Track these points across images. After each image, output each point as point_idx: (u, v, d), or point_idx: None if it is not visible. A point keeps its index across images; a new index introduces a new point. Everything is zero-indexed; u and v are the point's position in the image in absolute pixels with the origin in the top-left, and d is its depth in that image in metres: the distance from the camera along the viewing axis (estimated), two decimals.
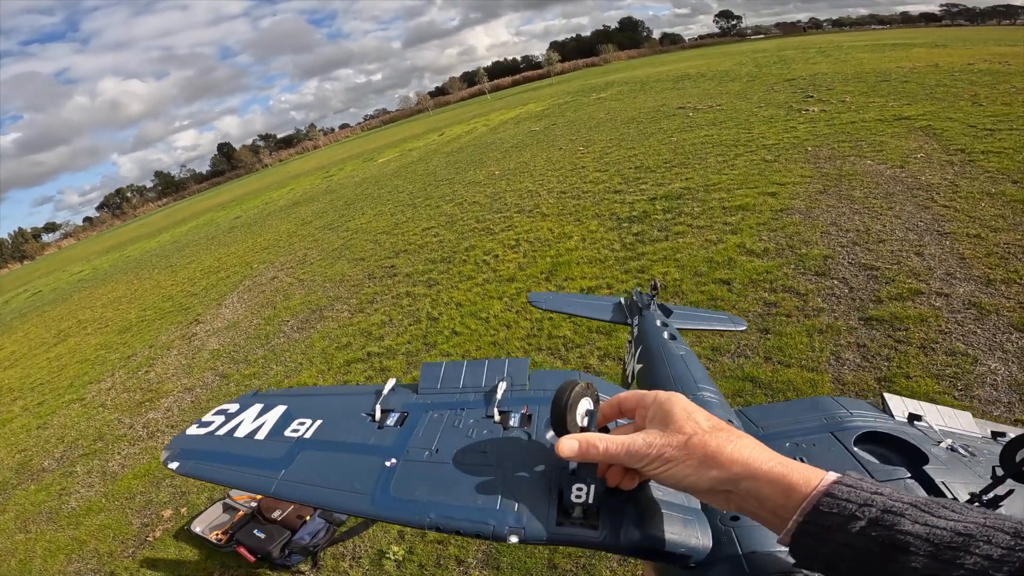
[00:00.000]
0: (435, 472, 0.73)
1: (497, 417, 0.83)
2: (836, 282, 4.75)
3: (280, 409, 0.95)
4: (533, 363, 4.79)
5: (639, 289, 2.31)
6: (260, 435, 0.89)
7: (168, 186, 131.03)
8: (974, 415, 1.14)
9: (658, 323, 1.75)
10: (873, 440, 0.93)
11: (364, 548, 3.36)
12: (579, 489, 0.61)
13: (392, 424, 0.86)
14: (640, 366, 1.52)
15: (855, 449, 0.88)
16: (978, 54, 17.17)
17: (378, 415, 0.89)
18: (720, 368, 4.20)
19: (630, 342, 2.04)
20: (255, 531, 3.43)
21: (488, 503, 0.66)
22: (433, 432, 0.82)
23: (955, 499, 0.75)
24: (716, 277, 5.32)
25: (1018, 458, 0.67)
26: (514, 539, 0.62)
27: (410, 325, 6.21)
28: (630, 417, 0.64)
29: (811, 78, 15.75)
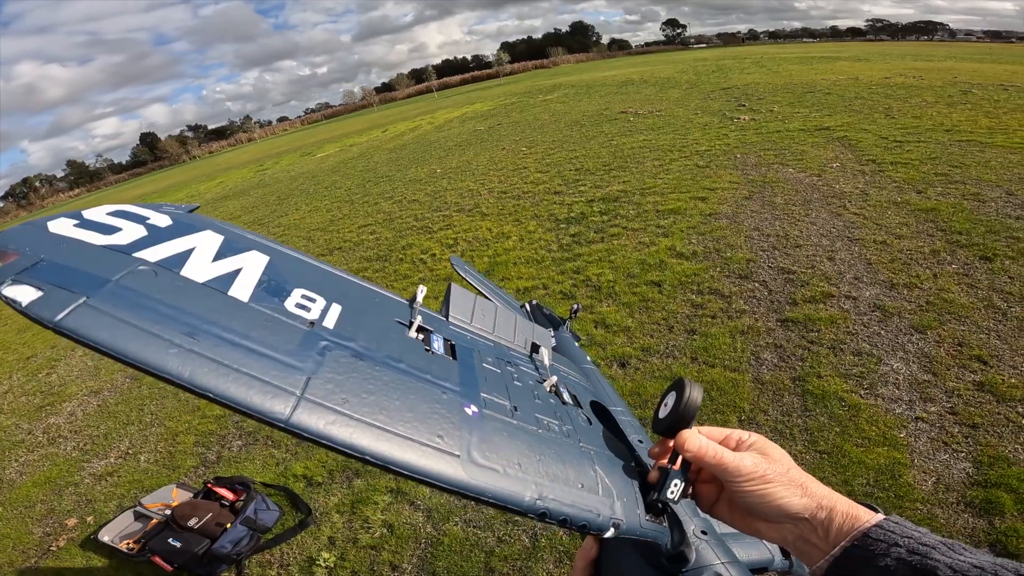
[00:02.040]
0: (524, 439, 0.55)
1: (548, 387, 0.72)
2: (757, 285, 4.91)
3: (261, 259, 0.57)
4: None
5: (536, 302, 2.15)
6: (239, 292, 0.50)
7: (81, 176, 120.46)
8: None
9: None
10: None
11: (292, 555, 3.15)
12: (675, 486, 0.60)
13: (441, 352, 0.63)
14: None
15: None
16: (895, 68, 18.64)
17: (413, 332, 0.63)
18: (650, 368, 4.23)
19: None
20: (170, 539, 3.18)
21: (590, 487, 0.55)
22: (498, 383, 0.63)
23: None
24: (648, 279, 5.38)
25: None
26: (611, 532, 0.55)
27: None
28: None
29: (745, 88, 16.52)
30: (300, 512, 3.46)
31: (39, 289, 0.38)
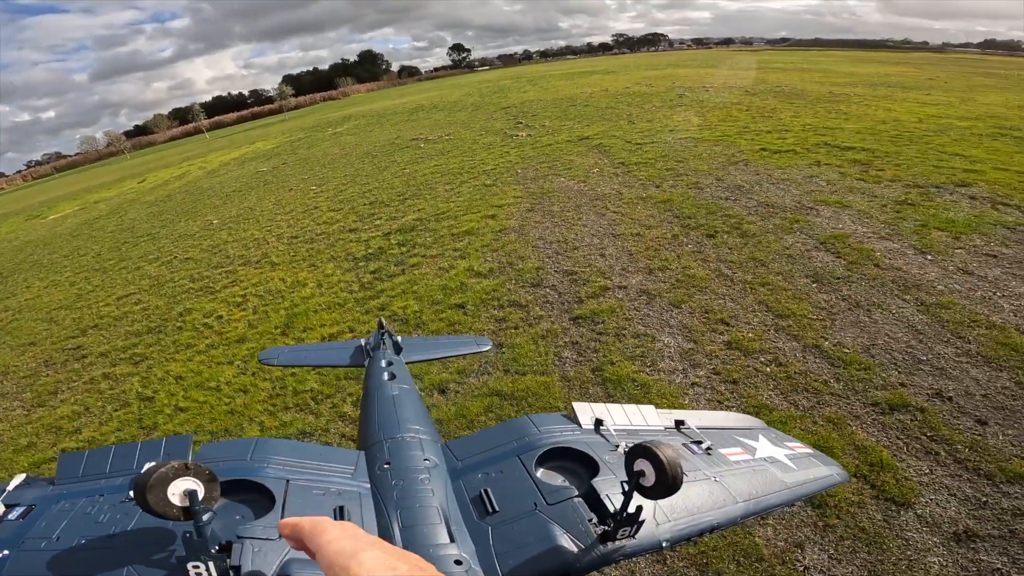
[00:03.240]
0: (54, 560, 0.75)
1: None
2: (548, 290, 5.30)
3: None
4: (280, 423, 4.33)
5: (383, 322, 2.32)
6: None
7: None
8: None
9: (383, 364, 1.79)
10: (557, 456, 1.08)
11: None
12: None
13: (14, 518, 0.85)
14: (360, 412, 1.60)
15: (535, 473, 1.02)
16: (633, 79, 22.37)
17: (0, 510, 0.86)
18: (469, 388, 4.22)
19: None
20: None
21: None
22: (58, 521, 0.84)
23: (614, 511, 0.90)
24: (452, 303, 5.41)
25: (635, 468, 0.78)
26: None
27: (115, 411, 4.97)
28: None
29: (521, 106, 18.13)
30: None
31: None
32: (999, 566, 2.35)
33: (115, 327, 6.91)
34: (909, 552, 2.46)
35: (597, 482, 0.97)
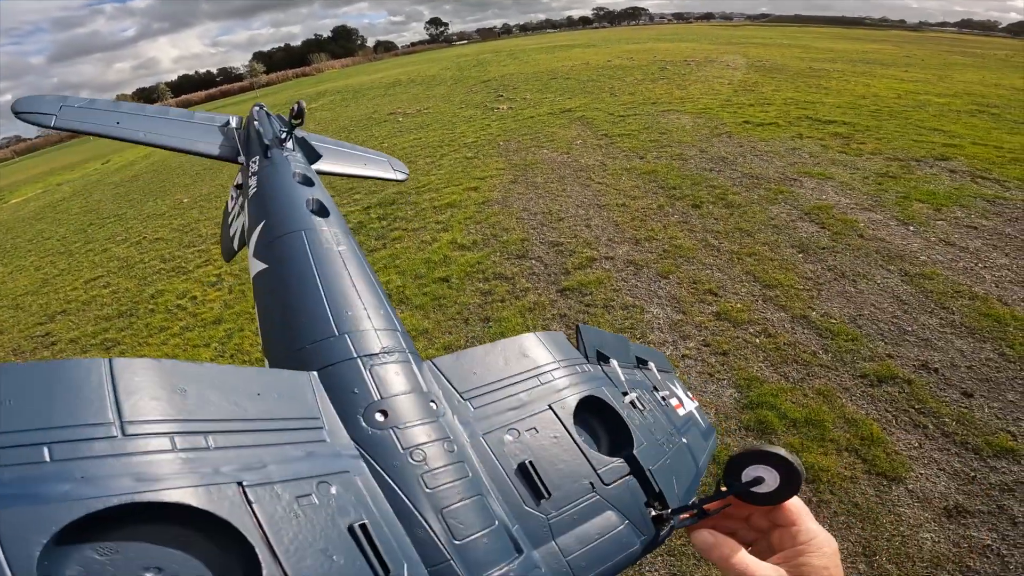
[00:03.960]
0: None
1: None
2: (534, 262, 5.20)
3: None
4: None
5: (266, 108, 1.73)
6: None
7: None
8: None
9: (295, 175, 1.26)
10: (585, 409, 0.85)
11: None
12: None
13: None
14: (260, 251, 1.06)
15: (579, 441, 0.78)
16: (614, 52, 22.04)
17: None
18: None
19: (237, 187, 1.58)
20: None
21: None
22: None
23: (662, 494, 0.77)
24: (435, 276, 5.29)
25: (744, 477, 0.66)
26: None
27: None
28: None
29: (501, 79, 17.73)
30: None
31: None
32: (989, 542, 2.37)
33: (84, 312, 6.66)
34: (902, 528, 2.47)
35: (638, 455, 0.79)
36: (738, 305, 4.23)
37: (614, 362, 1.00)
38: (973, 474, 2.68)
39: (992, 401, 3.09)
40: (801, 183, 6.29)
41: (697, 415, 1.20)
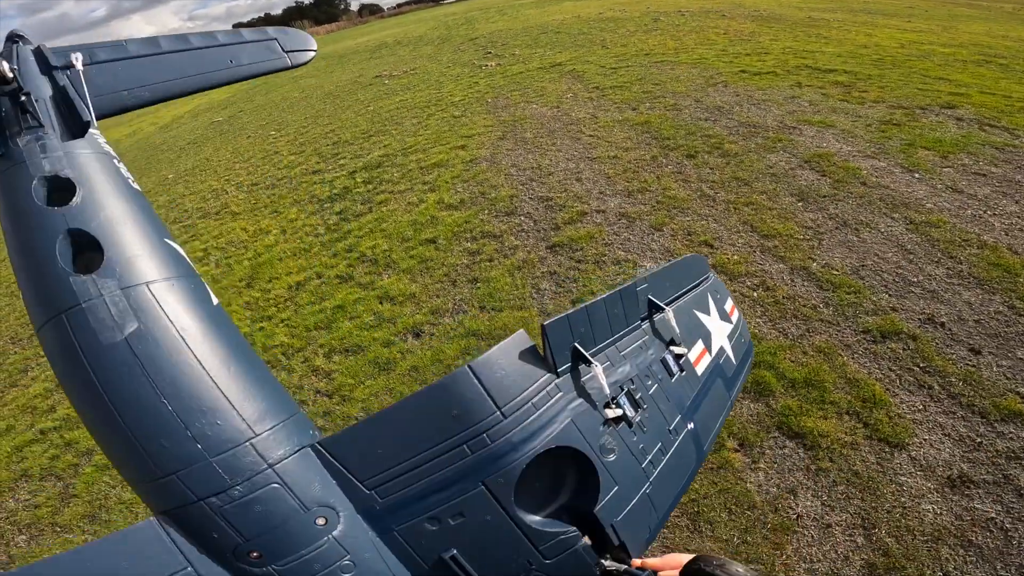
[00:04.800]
0: None
1: None
2: (523, 218, 5.02)
3: None
4: None
5: (21, 41, 1.17)
6: None
7: None
8: None
9: (38, 183, 0.81)
10: (548, 455, 0.72)
11: None
12: None
13: None
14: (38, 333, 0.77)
15: (520, 518, 0.65)
16: (606, 3, 21.13)
17: None
18: (444, 330, 4.03)
19: None
20: None
21: None
22: None
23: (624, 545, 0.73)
24: (423, 238, 5.14)
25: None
26: None
27: None
28: None
29: (490, 36, 17.07)
30: None
31: None
32: (993, 515, 2.25)
33: None
34: (903, 499, 2.36)
35: (600, 507, 0.69)
36: (735, 257, 4.08)
37: (596, 366, 0.83)
38: (979, 440, 2.54)
39: (1001, 359, 2.93)
40: (800, 131, 6.04)
41: (728, 349, 1.07)
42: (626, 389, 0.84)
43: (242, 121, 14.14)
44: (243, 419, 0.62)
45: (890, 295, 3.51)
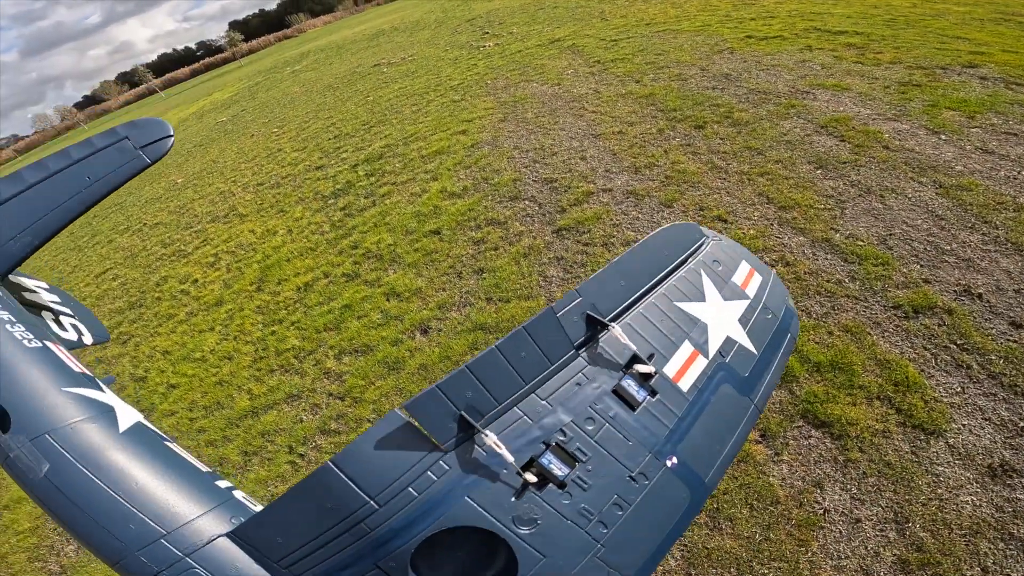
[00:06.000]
0: None
1: None
2: (527, 202, 4.88)
3: None
4: (267, 388, 4.14)
5: None
6: None
7: None
8: None
9: None
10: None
11: None
12: None
13: None
14: None
15: None
16: None
17: None
18: (451, 325, 3.96)
19: None
20: None
21: None
22: None
23: None
24: (427, 230, 5.05)
25: None
26: None
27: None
28: None
29: (487, 15, 16.69)
30: None
31: None
32: None
33: (98, 307, 6.77)
34: (940, 490, 2.21)
35: None
36: (751, 231, 3.89)
37: (487, 435, 0.72)
38: (1023, 424, 2.36)
39: None
40: (814, 96, 5.74)
41: (741, 337, 0.89)
42: (554, 443, 0.70)
43: (245, 119, 14.19)
44: (151, 522, 0.75)
45: (921, 266, 3.30)
